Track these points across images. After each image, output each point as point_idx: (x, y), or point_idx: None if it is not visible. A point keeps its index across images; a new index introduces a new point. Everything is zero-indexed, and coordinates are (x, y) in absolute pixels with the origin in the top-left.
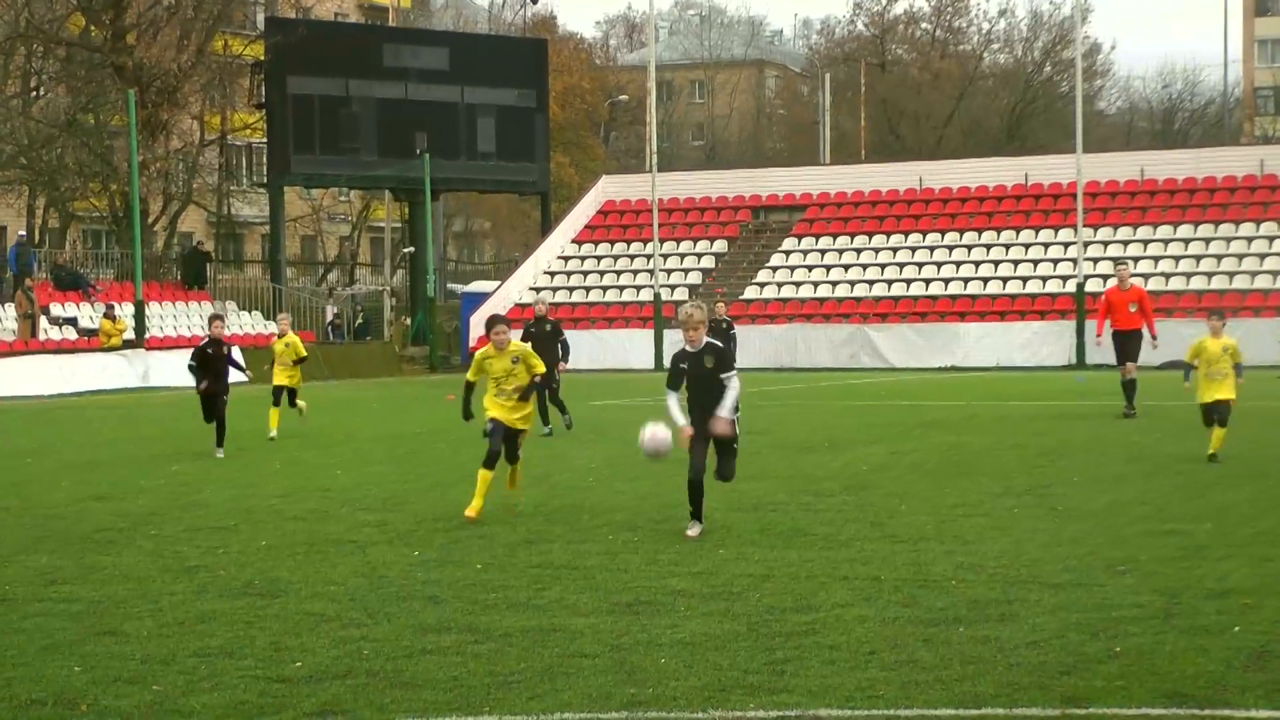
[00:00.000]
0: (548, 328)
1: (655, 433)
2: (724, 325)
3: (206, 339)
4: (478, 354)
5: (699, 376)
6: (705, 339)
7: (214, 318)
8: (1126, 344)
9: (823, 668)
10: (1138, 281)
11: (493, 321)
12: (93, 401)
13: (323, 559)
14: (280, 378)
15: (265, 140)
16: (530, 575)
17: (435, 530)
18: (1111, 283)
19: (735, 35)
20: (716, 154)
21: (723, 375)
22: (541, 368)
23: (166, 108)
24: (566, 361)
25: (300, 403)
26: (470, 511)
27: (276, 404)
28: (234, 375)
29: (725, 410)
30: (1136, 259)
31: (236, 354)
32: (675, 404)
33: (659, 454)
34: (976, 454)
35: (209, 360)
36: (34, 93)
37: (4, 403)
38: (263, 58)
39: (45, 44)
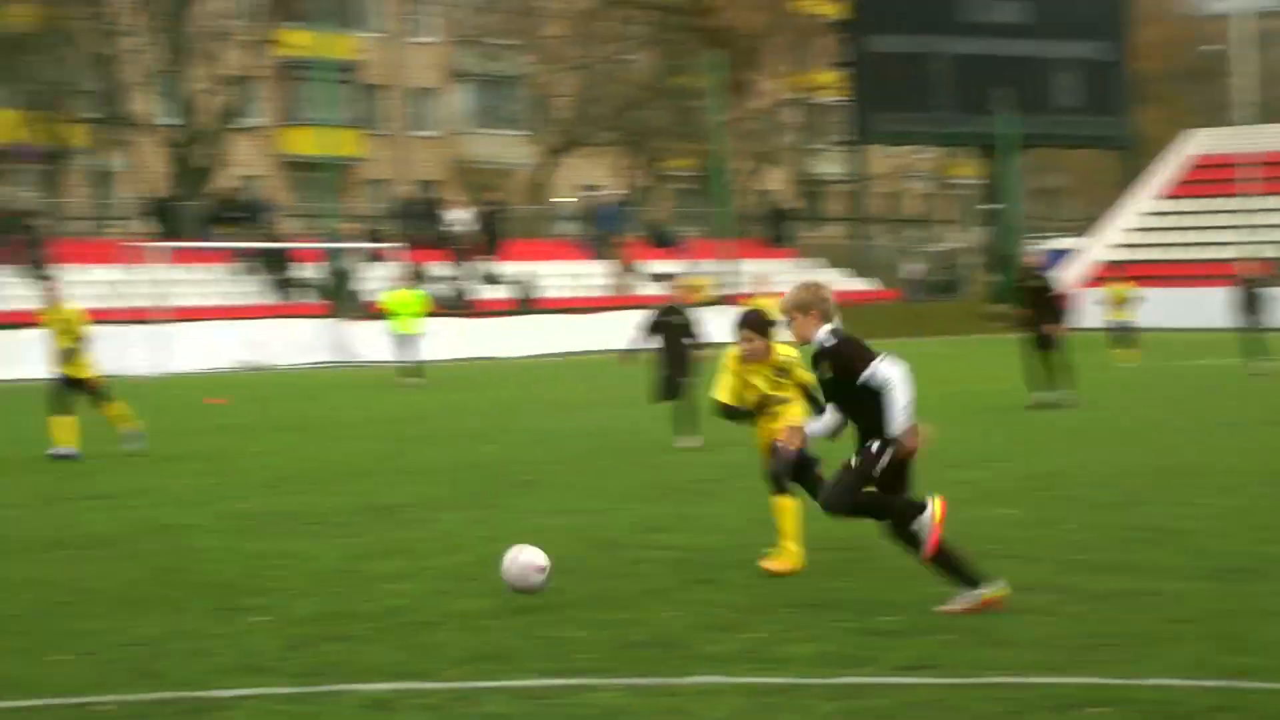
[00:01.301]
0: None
1: (517, 557)
2: (1252, 283)
3: (662, 305)
4: (725, 365)
5: (823, 384)
6: (823, 333)
7: (674, 277)
8: None
9: None
10: None
11: (743, 323)
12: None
13: None
14: None
15: (845, 98)
16: (1124, 536)
17: (1027, 489)
18: None
19: None
20: None
21: (863, 378)
22: (809, 377)
23: (748, 68)
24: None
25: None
26: (775, 564)
27: None
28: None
29: (897, 417)
30: None
31: (703, 326)
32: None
33: (530, 585)
34: None
35: (660, 329)
36: (624, 56)
37: (592, 355)
38: (843, 16)
39: (633, 9)
